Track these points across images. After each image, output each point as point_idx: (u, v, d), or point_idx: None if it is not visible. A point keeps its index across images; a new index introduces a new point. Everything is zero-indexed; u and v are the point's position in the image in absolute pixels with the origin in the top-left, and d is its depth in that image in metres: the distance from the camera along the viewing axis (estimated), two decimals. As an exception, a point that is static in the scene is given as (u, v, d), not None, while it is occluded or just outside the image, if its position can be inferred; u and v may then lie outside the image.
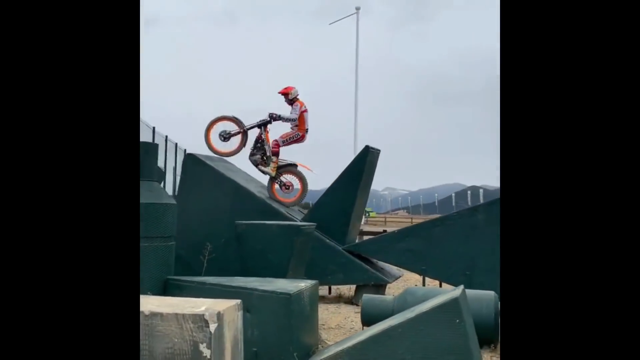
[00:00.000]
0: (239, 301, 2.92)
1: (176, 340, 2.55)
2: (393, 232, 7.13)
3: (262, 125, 7.52)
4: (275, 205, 7.34)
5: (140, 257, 4.43)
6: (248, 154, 7.60)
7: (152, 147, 5.03)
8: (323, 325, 5.82)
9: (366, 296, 5.32)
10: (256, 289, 4.37)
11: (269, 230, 5.41)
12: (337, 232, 7.10)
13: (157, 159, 5.04)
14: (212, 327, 2.56)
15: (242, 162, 7.96)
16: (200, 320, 2.55)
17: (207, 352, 2.52)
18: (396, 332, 3.92)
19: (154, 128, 16.99)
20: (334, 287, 7.90)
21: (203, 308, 2.65)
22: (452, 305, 3.88)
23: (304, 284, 4.54)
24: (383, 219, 50.14)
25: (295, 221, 7.24)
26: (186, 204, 7.39)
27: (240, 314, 2.92)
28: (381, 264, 7.31)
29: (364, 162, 7.05)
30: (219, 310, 2.64)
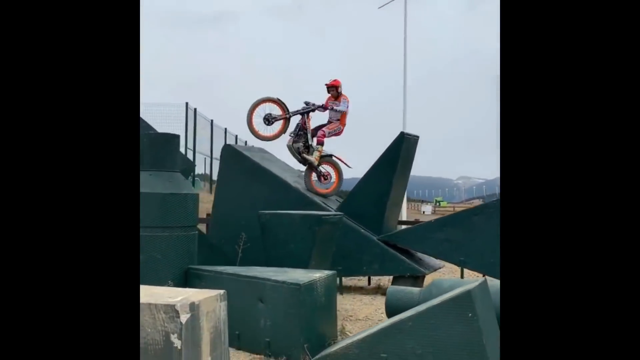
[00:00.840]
0: (222, 292, 2.87)
1: (149, 330, 2.54)
2: (430, 222, 6.86)
3: (306, 112, 7.42)
4: (310, 195, 7.27)
5: (161, 247, 4.52)
6: (288, 140, 7.51)
7: (173, 138, 5.08)
8: (351, 316, 5.70)
9: (391, 288, 5.14)
10: (269, 279, 4.33)
11: (290, 219, 5.35)
12: (373, 221, 6.93)
13: (178, 149, 5.09)
14: (184, 317, 2.52)
15: (275, 149, 7.93)
16: (171, 311, 2.53)
17: (177, 343, 2.49)
18: (406, 326, 3.76)
19: (212, 121, 17.40)
20: (374, 278, 7.75)
21: (178, 298, 2.62)
22: (465, 299, 3.66)
23: (318, 275, 4.45)
24: (452, 208, 48.95)
25: (330, 211, 7.15)
26: (224, 195, 7.49)
27: (223, 304, 2.87)
28: (421, 254, 7.08)
29: (399, 150, 6.81)
30: (193, 300, 2.60)
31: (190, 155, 13.96)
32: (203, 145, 16.80)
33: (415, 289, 5.24)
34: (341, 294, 6.98)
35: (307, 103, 7.45)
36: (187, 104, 14.43)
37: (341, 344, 3.96)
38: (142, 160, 4.95)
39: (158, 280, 4.70)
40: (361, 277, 7.78)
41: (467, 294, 3.68)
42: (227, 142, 19.84)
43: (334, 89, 7.46)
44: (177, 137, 5.18)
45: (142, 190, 4.77)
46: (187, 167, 5.93)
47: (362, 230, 6.90)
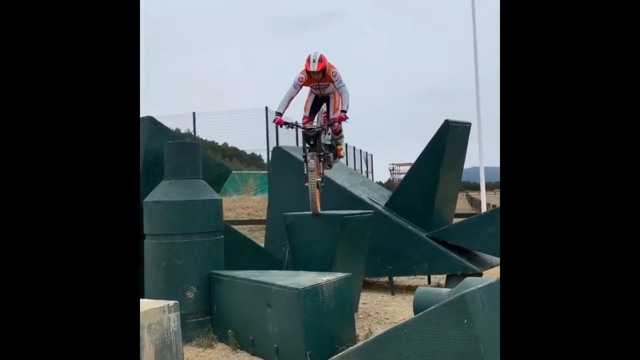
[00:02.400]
0: (172, 303, 2.83)
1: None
2: (480, 215, 6.36)
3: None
4: (357, 193, 7.06)
5: (181, 253, 4.61)
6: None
7: (192, 147, 5.17)
8: (387, 319, 5.45)
9: (420, 289, 4.83)
10: (273, 284, 4.25)
11: (313, 220, 5.21)
12: (421, 217, 6.56)
13: (198, 157, 5.15)
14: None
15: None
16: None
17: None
18: (402, 333, 3.51)
19: (295, 122, 17.65)
20: (434, 277, 7.37)
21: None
22: (459, 304, 3.32)
23: (326, 278, 4.28)
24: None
25: (378, 207, 6.90)
26: (276, 197, 7.52)
27: (174, 315, 2.84)
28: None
29: (445, 139, 6.38)
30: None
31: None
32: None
33: (445, 290, 4.88)
34: (392, 294, 6.72)
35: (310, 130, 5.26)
36: (266, 107, 14.74)
37: (345, 351, 3.78)
38: (165, 170, 5.10)
39: (180, 286, 4.81)
40: (422, 276, 7.42)
41: (462, 299, 3.33)
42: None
43: (320, 72, 5.08)
44: (197, 145, 5.26)
45: (162, 198, 4.91)
46: (222, 174, 6.00)
47: (410, 227, 6.57)
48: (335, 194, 6.97)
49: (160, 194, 4.96)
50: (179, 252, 4.82)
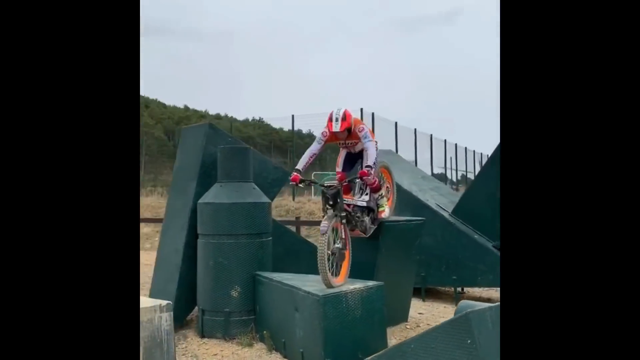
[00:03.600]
0: (165, 302, 2.98)
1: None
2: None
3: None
4: (424, 198, 6.85)
5: (227, 253, 4.84)
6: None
7: (243, 151, 5.36)
8: (434, 331, 5.21)
9: (462, 302, 4.59)
10: (300, 289, 4.29)
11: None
12: (489, 226, 6.21)
13: (248, 161, 5.33)
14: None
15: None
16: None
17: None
18: (408, 348, 3.42)
19: (395, 123, 17.47)
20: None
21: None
22: (462, 323, 3.16)
23: (353, 286, 4.22)
24: None
25: (443, 215, 6.64)
26: (346, 200, 7.52)
27: (165, 315, 2.99)
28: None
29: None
30: (115, 309, 2.77)
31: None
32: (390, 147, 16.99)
33: (487, 305, 4.58)
34: (456, 305, 6.41)
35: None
36: (361, 109, 14.78)
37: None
38: (218, 173, 5.34)
39: (225, 283, 5.02)
40: (497, 288, 7.01)
41: (465, 318, 3.15)
42: (418, 142, 19.63)
43: (345, 131, 4.77)
44: (247, 149, 5.44)
45: (211, 200, 5.16)
46: (279, 177, 6.13)
47: (476, 236, 6.24)
48: (400, 198, 6.82)
49: (211, 196, 5.21)
50: (226, 252, 5.03)
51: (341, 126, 4.68)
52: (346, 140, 4.94)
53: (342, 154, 5.16)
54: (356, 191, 4.85)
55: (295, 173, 4.65)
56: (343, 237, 4.49)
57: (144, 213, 13.52)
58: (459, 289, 6.86)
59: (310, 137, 17.87)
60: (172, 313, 3.05)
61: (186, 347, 4.89)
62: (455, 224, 6.43)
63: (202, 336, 5.09)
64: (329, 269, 4.19)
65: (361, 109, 14.83)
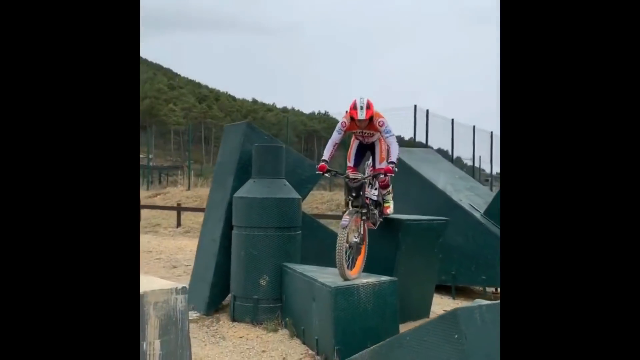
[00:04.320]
0: (179, 285, 3.35)
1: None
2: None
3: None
4: (457, 198, 6.95)
5: (257, 245, 5.24)
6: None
7: (275, 150, 5.71)
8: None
9: (477, 301, 4.73)
10: (317, 280, 4.59)
11: (379, 225, 5.37)
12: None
13: (281, 159, 5.68)
14: (123, 302, 3.12)
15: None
16: (115, 296, 3.16)
17: (116, 322, 3.11)
18: (404, 341, 3.65)
19: (452, 120, 17.35)
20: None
21: (129, 287, 3.23)
22: (450, 319, 3.36)
23: (366, 280, 4.47)
24: None
25: (474, 215, 6.73)
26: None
27: (180, 297, 3.35)
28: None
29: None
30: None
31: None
32: (445, 146, 16.92)
33: (480, 303, 4.70)
34: (485, 304, 6.48)
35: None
36: (415, 106, 14.82)
37: (363, 351, 3.98)
38: (252, 169, 5.73)
39: (255, 272, 5.40)
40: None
41: (453, 314, 3.34)
42: (476, 140, 19.35)
43: (366, 120, 4.82)
44: (280, 148, 5.78)
45: (244, 194, 5.55)
46: (314, 174, 6.43)
47: (504, 237, 6.30)
48: (434, 198, 6.97)
49: (245, 190, 5.60)
50: (256, 243, 5.41)
51: (366, 114, 4.72)
52: (364, 130, 4.96)
53: (354, 146, 5.20)
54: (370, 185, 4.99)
55: (322, 163, 4.79)
56: (362, 232, 4.72)
57: (203, 203, 14.25)
58: (493, 289, 6.92)
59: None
60: (186, 296, 3.42)
61: (217, 329, 5.32)
62: (486, 224, 6.51)
63: (233, 320, 5.50)
64: (345, 262, 4.42)
65: (415, 106, 14.87)
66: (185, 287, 3.42)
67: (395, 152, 4.84)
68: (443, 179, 7.28)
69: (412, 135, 14.71)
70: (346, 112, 4.92)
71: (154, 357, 3.30)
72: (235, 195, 5.67)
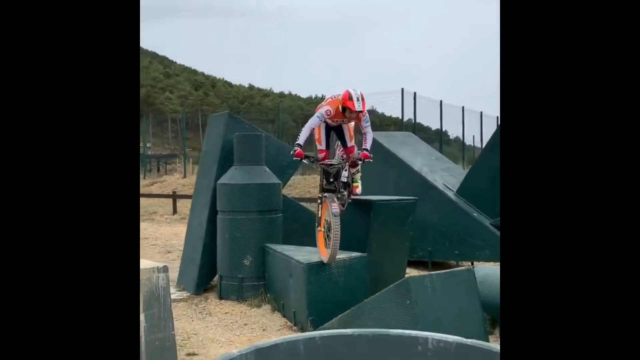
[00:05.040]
0: (161, 265, 3.74)
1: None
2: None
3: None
4: (432, 178, 7.32)
5: (239, 228, 5.63)
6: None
7: (255, 138, 6.07)
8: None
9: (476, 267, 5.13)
10: (292, 258, 4.98)
11: (351, 205, 5.74)
12: (489, 204, 6.63)
13: (260, 147, 6.04)
14: (109, 280, 3.52)
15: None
16: (101, 275, 3.55)
17: (103, 298, 3.51)
18: (366, 308, 4.04)
19: (440, 101, 17.67)
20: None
21: (115, 267, 3.62)
22: (403, 286, 3.76)
23: (339, 257, 4.86)
24: None
25: (447, 194, 7.11)
26: (365, 179, 8.12)
27: (163, 275, 3.75)
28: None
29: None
30: (121, 269, 3.57)
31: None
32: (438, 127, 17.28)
33: (434, 272, 5.09)
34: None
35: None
36: (402, 89, 15.14)
37: (332, 320, 4.38)
38: (234, 157, 6.09)
39: (239, 253, 5.80)
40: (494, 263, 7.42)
41: (405, 283, 3.74)
42: (465, 120, 19.69)
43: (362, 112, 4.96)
44: (260, 136, 6.14)
45: (227, 181, 5.93)
46: (294, 160, 6.79)
47: (474, 214, 6.68)
48: (410, 179, 7.34)
49: (227, 177, 5.97)
50: (239, 226, 5.80)
51: (363, 106, 4.80)
52: (344, 119, 5.03)
53: (322, 129, 5.18)
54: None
55: (298, 148, 4.81)
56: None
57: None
58: (469, 264, 7.33)
59: (373, 114, 18.28)
60: (167, 274, 3.81)
61: (205, 306, 5.73)
62: (458, 202, 6.90)
63: (220, 298, 5.91)
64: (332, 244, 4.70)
65: (402, 89, 15.18)
66: (166, 266, 3.81)
67: (370, 140, 5.05)
68: (420, 160, 7.65)
69: (400, 117, 15.04)
70: (331, 98, 5.03)
71: (140, 328, 3.70)
72: (218, 182, 6.05)
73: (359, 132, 5.20)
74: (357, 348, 1.72)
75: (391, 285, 3.89)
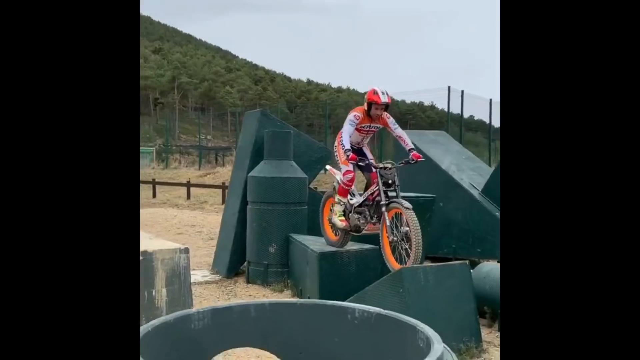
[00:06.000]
0: (182, 246, 4.20)
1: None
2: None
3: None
4: (459, 177, 7.49)
5: (266, 218, 6.09)
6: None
7: (284, 134, 6.48)
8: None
9: (482, 264, 5.36)
10: (308, 247, 5.36)
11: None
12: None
13: (289, 143, 6.45)
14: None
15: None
16: (129, 253, 4.05)
17: (130, 273, 4.00)
18: (367, 294, 4.36)
19: (490, 100, 17.54)
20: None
21: (141, 246, 4.10)
22: (396, 276, 4.06)
23: (350, 247, 5.20)
24: None
25: (472, 193, 7.27)
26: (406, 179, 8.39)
27: (183, 256, 4.20)
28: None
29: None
30: (147, 249, 4.05)
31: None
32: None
33: (428, 265, 5.30)
34: (480, 275, 7.07)
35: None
36: (449, 87, 15.19)
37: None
38: (264, 152, 6.53)
39: (265, 241, 6.24)
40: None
41: (399, 272, 4.03)
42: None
43: (381, 109, 5.11)
44: (289, 133, 6.55)
45: (256, 174, 6.38)
46: (324, 155, 7.17)
47: (497, 214, 6.82)
48: (437, 177, 7.55)
49: (257, 171, 6.42)
50: (265, 216, 6.24)
51: (387, 99, 5.00)
52: (371, 124, 5.18)
53: (353, 134, 5.17)
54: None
55: (350, 153, 4.85)
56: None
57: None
58: (492, 261, 7.48)
59: (432, 110, 18.20)
60: (189, 255, 4.27)
61: (232, 289, 6.21)
62: (482, 201, 7.05)
63: (248, 282, 6.38)
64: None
65: (449, 87, 15.22)
66: (187, 248, 4.28)
67: (408, 138, 5.18)
68: (449, 159, 7.83)
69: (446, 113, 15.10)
70: (367, 99, 5.08)
71: (161, 301, 4.19)
72: (249, 174, 6.50)
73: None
74: (298, 314, 2.07)
75: (388, 275, 4.20)
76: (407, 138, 5.21)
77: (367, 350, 1.92)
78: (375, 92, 5.06)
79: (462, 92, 15.83)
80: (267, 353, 2.13)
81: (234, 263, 6.76)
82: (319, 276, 5.04)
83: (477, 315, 4.23)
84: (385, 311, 1.98)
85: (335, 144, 5.28)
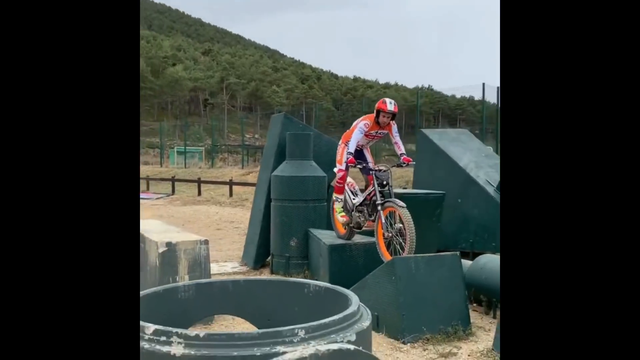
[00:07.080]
0: (203, 239, 4.74)
1: (149, 254, 4.71)
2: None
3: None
4: (476, 174, 7.77)
5: (287, 214, 6.63)
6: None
7: (304, 136, 6.97)
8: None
9: (482, 256, 5.69)
10: (322, 240, 5.83)
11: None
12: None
13: (309, 144, 6.93)
14: (161, 249, 4.59)
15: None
16: (155, 245, 4.64)
17: (156, 262, 4.59)
18: (366, 283, 4.80)
19: (497, 88, 17.46)
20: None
21: (165, 239, 4.67)
22: (390, 265, 4.47)
23: (359, 240, 5.63)
24: None
25: (487, 190, 7.55)
26: (418, 176, 8.74)
27: (204, 247, 4.75)
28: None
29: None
30: (170, 240, 4.63)
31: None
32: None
33: (419, 255, 5.63)
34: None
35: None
36: (483, 84, 15.27)
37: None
38: (286, 153, 7.04)
39: (287, 236, 6.75)
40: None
41: (392, 262, 4.45)
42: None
43: (389, 116, 5.54)
44: (308, 135, 7.03)
45: (279, 173, 6.90)
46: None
47: (510, 209, 7.09)
48: (455, 174, 7.86)
49: (279, 170, 6.94)
50: (287, 212, 6.75)
51: (395, 108, 5.44)
52: (378, 130, 5.63)
53: (344, 153, 5.63)
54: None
55: (350, 156, 5.40)
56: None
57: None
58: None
59: (481, 104, 18.13)
60: (208, 246, 4.82)
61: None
62: (496, 198, 7.32)
63: (272, 273, 6.90)
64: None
65: (483, 84, 15.31)
66: (207, 240, 4.84)
67: (402, 146, 5.66)
68: (467, 157, 8.10)
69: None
70: (376, 107, 5.49)
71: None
72: (272, 174, 7.03)
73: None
74: (267, 289, 2.55)
75: (383, 264, 4.62)
76: (401, 145, 5.68)
77: (317, 314, 2.38)
78: (384, 102, 5.56)
79: (498, 88, 15.88)
80: (241, 319, 2.61)
81: (260, 256, 7.31)
82: (329, 266, 5.50)
83: (466, 302, 4.58)
84: (332, 285, 2.43)
85: (340, 142, 5.81)
